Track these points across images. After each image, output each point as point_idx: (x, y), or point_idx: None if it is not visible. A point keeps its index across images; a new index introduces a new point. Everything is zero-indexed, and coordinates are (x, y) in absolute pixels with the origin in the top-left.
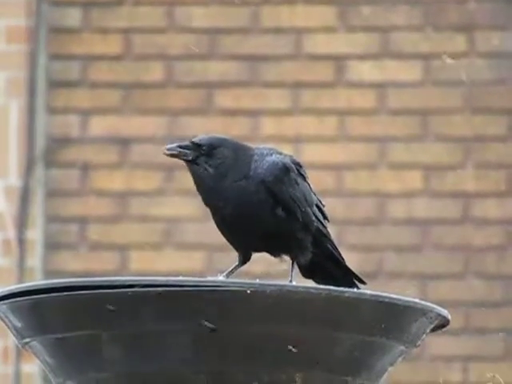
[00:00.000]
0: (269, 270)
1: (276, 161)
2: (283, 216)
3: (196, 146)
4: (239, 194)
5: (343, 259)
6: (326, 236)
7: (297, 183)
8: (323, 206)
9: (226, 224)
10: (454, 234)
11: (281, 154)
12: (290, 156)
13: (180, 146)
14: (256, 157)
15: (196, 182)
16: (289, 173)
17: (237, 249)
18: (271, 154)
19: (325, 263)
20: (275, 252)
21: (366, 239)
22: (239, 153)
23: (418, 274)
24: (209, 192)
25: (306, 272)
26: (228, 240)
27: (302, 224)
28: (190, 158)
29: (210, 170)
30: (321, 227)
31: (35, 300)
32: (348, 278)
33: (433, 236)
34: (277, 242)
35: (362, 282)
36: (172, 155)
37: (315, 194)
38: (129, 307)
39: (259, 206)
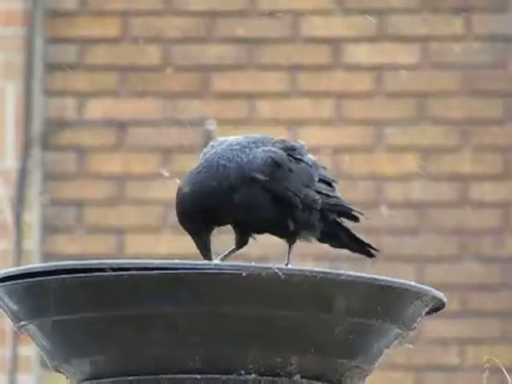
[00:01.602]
0: (265, 253)
1: (264, 157)
2: (283, 208)
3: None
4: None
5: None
6: (336, 205)
7: (291, 171)
8: (325, 168)
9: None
10: (450, 217)
11: (269, 142)
12: (282, 141)
13: None
14: (244, 154)
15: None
16: (280, 167)
17: (236, 232)
18: (261, 147)
19: (337, 232)
20: (279, 236)
21: (363, 222)
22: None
23: (414, 256)
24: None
25: (321, 238)
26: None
27: (303, 208)
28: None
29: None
30: (327, 200)
31: (31, 283)
32: (360, 245)
33: (430, 219)
34: (279, 229)
35: (375, 250)
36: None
37: (316, 165)
38: (125, 290)
39: (259, 203)
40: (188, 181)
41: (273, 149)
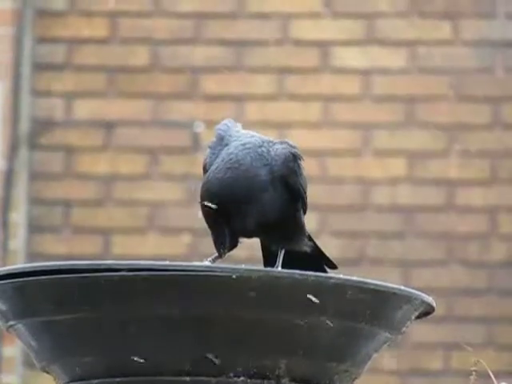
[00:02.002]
0: (253, 255)
1: (287, 153)
2: (293, 205)
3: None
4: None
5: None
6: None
7: (302, 168)
8: None
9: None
10: (437, 222)
11: (279, 142)
12: (287, 143)
13: None
14: (263, 151)
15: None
16: (297, 161)
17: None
18: (276, 145)
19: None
20: (277, 241)
21: (350, 226)
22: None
23: (401, 260)
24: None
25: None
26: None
27: (304, 210)
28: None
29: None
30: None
31: (20, 283)
32: (318, 261)
33: (416, 223)
34: (283, 229)
35: (333, 267)
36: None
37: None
38: (114, 291)
39: (276, 199)
40: (216, 176)
41: (287, 146)
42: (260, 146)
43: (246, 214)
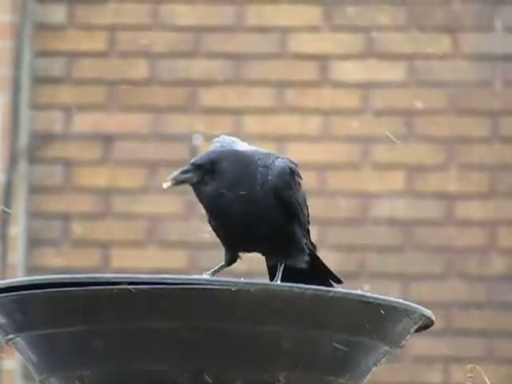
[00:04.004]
0: (253, 269)
1: (283, 166)
2: (288, 219)
3: (197, 167)
4: (247, 204)
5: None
6: (309, 235)
7: (300, 185)
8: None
9: (228, 230)
10: (436, 235)
11: (278, 157)
12: (287, 158)
13: (182, 172)
14: (260, 162)
15: (204, 203)
16: (294, 176)
17: (227, 249)
18: (276, 159)
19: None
20: (273, 255)
21: (349, 239)
22: (240, 162)
23: (400, 274)
24: (219, 209)
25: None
26: (222, 241)
27: (301, 226)
28: (195, 180)
29: (216, 185)
30: (308, 227)
31: (20, 296)
32: (323, 276)
33: (415, 237)
34: (278, 245)
35: (338, 281)
36: (177, 184)
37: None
38: (113, 304)
39: (267, 212)
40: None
41: (287, 160)
42: (258, 159)
43: (236, 224)
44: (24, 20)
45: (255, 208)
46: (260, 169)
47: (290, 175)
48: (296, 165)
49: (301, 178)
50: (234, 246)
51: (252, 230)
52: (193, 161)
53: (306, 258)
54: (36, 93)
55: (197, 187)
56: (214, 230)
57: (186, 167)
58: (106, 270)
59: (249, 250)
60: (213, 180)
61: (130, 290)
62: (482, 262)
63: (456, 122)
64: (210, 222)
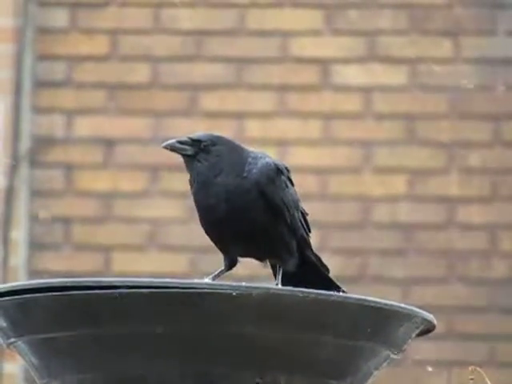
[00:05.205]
0: (254, 273)
1: (269, 162)
2: (273, 217)
3: (195, 142)
4: (232, 191)
5: (327, 269)
6: (309, 244)
7: (286, 186)
8: (307, 214)
9: (214, 224)
10: (437, 239)
11: (271, 158)
12: (282, 162)
13: (179, 142)
14: (250, 158)
15: (193, 177)
16: (280, 175)
17: (224, 253)
18: (265, 157)
19: (306, 271)
20: (263, 256)
21: (350, 243)
22: (235, 152)
23: (401, 278)
24: (204, 188)
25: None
26: (215, 243)
27: (289, 227)
28: (190, 153)
29: (207, 165)
30: (304, 235)
31: (21, 300)
32: (327, 286)
33: (417, 240)
34: (265, 244)
35: (342, 290)
36: (172, 149)
37: (300, 202)
38: (115, 308)
39: (250, 205)
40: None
41: (279, 161)
42: (251, 154)
43: (219, 217)
44: (26, 24)
45: (239, 200)
46: (249, 159)
47: (275, 171)
48: (286, 167)
49: (290, 181)
50: (225, 247)
51: (235, 222)
52: (192, 135)
53: (296, 261)
54: (37, 96)
55: (190, 161)
56: (204, 228)
57: (183, 138)
58: (107, 274)
59: (240, 252)
60: (206, 159)
61: (130, 293)
62: (484, 265)
63: (457, 126)
64: (202, 225)
